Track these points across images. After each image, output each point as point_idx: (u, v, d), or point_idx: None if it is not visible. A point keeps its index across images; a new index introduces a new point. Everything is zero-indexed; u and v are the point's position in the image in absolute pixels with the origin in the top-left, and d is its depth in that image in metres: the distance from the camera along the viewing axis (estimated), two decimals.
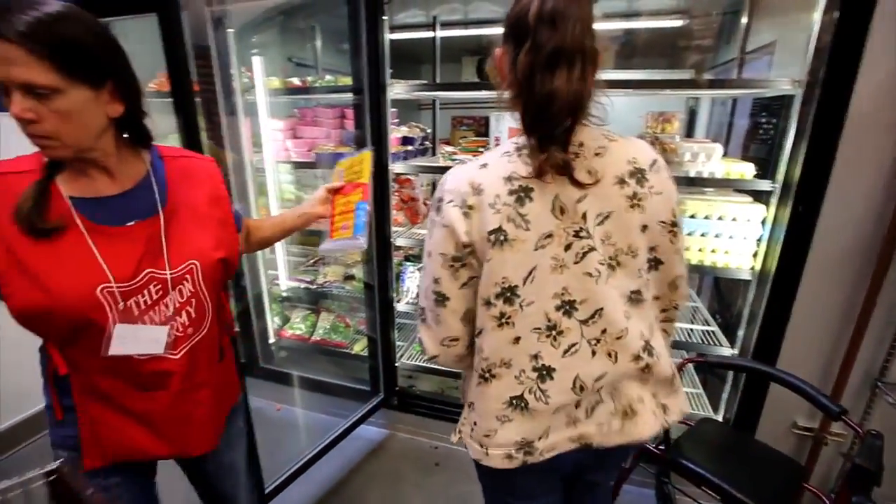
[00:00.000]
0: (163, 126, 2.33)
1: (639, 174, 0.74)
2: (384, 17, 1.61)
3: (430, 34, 2.94)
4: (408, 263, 2.15)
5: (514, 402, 0.80)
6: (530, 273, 0.75)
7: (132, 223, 0.80)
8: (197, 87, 1.74)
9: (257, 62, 1.93)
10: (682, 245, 0.81)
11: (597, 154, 0.74)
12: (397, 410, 2.04)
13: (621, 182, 0.73)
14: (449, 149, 2.05)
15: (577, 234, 0.74)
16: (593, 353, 0.78)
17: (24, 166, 0.75)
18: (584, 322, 0.76)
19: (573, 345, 0.77)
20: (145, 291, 0.79)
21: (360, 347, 2.19)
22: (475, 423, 0.85)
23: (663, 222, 0.77)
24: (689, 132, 2.62)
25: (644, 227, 0.75)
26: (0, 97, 0.67)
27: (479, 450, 0.85)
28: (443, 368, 2.01)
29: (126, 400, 0.81)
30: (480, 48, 4.87)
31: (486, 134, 5.40)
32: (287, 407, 2.23)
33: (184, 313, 0.83)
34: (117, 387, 0.80)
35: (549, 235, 0.73)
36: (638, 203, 0.74)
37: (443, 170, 2.02)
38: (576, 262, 0.74)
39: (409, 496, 1.77)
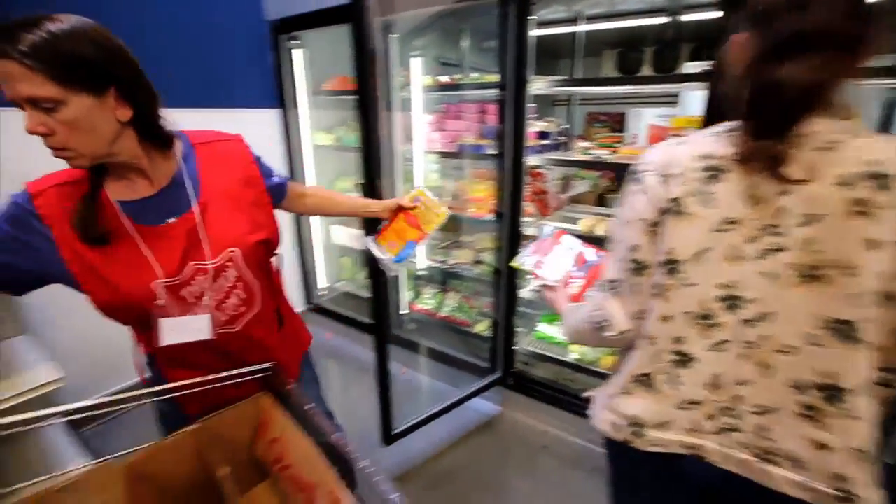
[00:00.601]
0: (332, 119, 2.75)
1: (879, 179, 0.60)
2: (530, 17, 1.70)
3: (572, 29, 2.93)
4: None
5: (642, 379, 0.80)
6: (700, 253, 0.70)
7: (171, 220, 0.84)
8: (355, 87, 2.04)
9: (416, 63, 2.17)
10: None
11: (823, 149, 0.63)
12: (512, 390, 2.14)
13: (845, 184, 0.61)
14: (584, 144, 2.07)
15: (767, 229, 0.66)
16: (743, 356, 0.70)
17: (78, 175, 0.81)
18: (745, 322, 0.69)
19: (725, 341, 0.71)
20: (193, 282, 0.85)
21: (481, 328, 2.34)
22: (609, 384, 0.87)
23: None
24: None
25: (872, 244, 0.61)
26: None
27: (596, 406, 0.87)
28: (559, 358, 2.06)
29: (205, 361, 0.93)
30: (623, 41, 4.65)
31: (621, 131, 5.16)
32: (411, 371, 2.48)
33: (233, 296, 0.91)
34: (195, 354, 0.91)
35: (734, 222, 0.68)
36: (864, 212, 0.61)
37: (577, 163, 2.05)
38: (757, 258, 0.67)
39: (515, 471, 1.87)
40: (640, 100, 4.80)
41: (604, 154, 1.84)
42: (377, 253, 1.32)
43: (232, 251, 0.89)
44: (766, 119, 0.64)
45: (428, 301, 2.53)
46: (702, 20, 3.07)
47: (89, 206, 0.78)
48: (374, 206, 1.30)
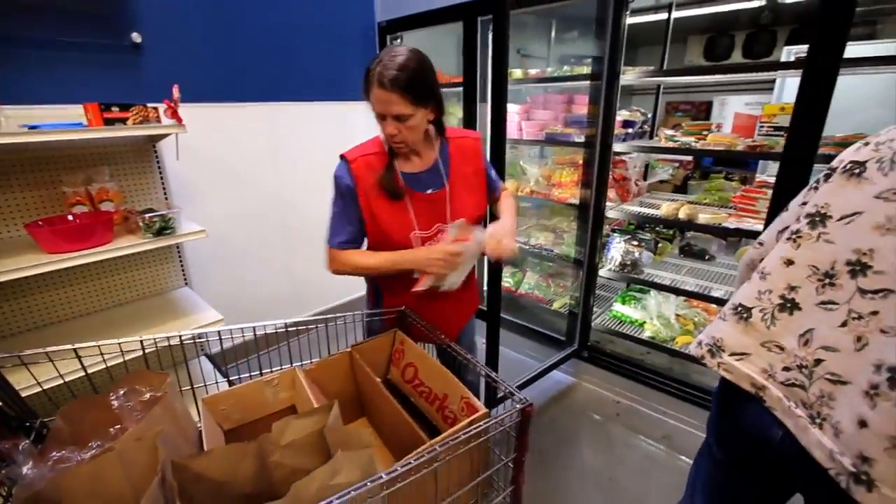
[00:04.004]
0: None
1: None
2: (626, 12, 1.82)
3: (663, 16, 2.93)
4: (615, 234, 2.35)
5: (740, 309, 0.83)
6: (852, 215, 0.71)
7: (430, 191, 1.18)
8: (461, 80, 2.27)
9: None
10: None
11: None
12: (586, 362, 2.31)
13: None
14: (669, 132, 2.14)
15: None
16: (843, 323, 0.69)
17: (374, 148, 1.15)
18: (863, 292, 0.68)
19: (833, 302, 0.71)
20: (434, 239, 1.19)
21: (558, 305, 2.50)
22: None
23: None
24: None
25: None
26: None
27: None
28: (633, 335, 2.18)
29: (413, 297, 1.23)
30: (712, 26, 4.49)
31: (705, 119, 4.99)
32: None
33: None
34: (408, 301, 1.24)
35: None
36: None
37: (662, 150, 2.14)
38: None
39: (590, 434, 2.04)
40: (727, 88, 4.61)
41: (690, 141, 1.92)
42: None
43: (461, 220, 1.20)
44: None
45: (507, 280, 2.73)
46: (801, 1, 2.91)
47: (392, 172, 1.14)
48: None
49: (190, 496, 0.68)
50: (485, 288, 2.82)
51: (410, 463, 0.68)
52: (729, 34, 4.45)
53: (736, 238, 2.33)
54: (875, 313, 0.66)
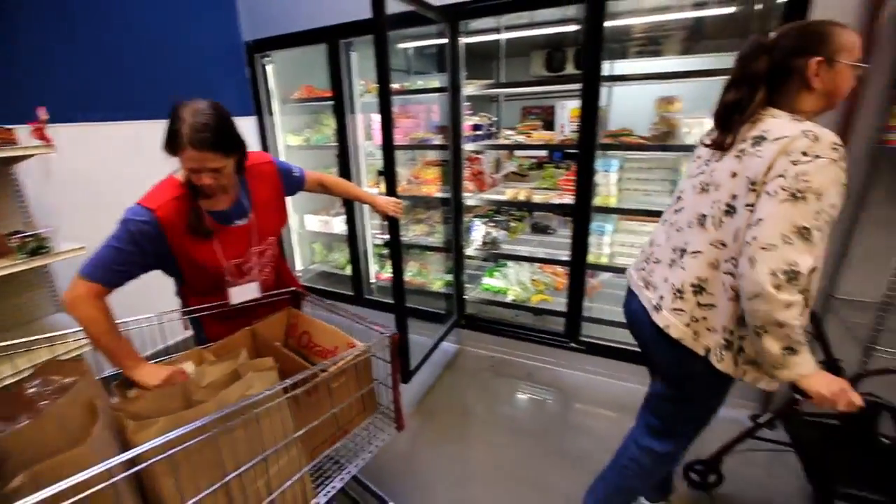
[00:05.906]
0: (300, 123, 3.18)
1: (757, 139, 0.97)
2: (460, 39, 2.25)
3: (495, 37, 3.47)
4: (476, 220, 2.79)
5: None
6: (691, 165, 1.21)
7: (239, 223, 1.30)
8: (331, 94, 2.53)
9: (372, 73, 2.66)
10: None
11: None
12: (465, 329, 2.71)
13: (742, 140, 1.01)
14: (509, 132, 2.64)
15: (707, 161, 1.11)
16: (664, 230, 1.22)
17: (174, 192, 1.17)
18: (674, 211, 1.20)
19: (665, 220, 1.24)
20: (251, 260, 1.37)
21: (437, 286, 2.88)
22: None
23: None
24: None
25: (734, 174, 1.00)
26: None
27: None
28: (500, 300, 2.63)
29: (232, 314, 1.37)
30: (548, 43, 5.30)
31: (552, 122, 5.83)
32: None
33: (268, 266, 1.45)
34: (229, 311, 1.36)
35: (699, 157, 1.16)
36: (739, 156, 1.00)
37: (502, 147, 2.62)
38: (693, 176, 1.15)
39: (476, 386, 2.43)
40: (565, 94, 5.49)
41: (521, 139, 2.42)
42: None
43: (271, 238, 1.40)
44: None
45: (390, 271, 3.04)
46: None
47: (199, 212, 1.20)
48: (373, 199, 1.76)
49: None
50: (367, 279, 3.13)
51: (304, 373, 0.94)
52: (562, 49, 5.33)
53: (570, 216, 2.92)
54: (676, 221, 1.17)
